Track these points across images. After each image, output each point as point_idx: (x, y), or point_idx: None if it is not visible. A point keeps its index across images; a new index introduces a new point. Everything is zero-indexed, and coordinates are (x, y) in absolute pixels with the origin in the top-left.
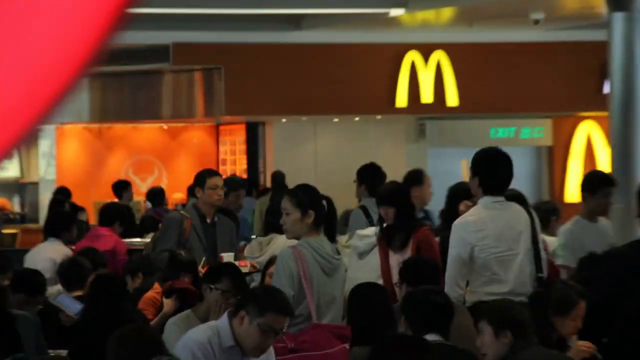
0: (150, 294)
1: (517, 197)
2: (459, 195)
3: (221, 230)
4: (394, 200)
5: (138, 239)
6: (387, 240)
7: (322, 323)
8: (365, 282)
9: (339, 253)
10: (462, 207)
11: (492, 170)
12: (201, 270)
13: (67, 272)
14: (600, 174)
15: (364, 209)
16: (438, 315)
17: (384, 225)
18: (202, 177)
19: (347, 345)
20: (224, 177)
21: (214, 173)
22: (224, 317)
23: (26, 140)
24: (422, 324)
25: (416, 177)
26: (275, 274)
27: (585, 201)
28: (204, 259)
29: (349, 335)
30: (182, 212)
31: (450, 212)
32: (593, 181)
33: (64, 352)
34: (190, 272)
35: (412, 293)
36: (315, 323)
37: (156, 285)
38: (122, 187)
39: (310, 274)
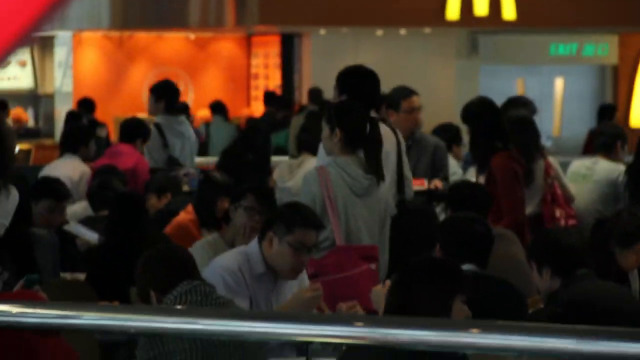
0: (182, 217)
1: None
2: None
3: (418, 153)
4: (469, 119)
5: None
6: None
7: (345, 245)
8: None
9: (374, 171)
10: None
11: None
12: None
13: (97, 194)
14: None
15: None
16: (476, 245)
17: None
18: (396, 98)
19: (373, 266)
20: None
21: (410, 92)
22: (254, 243)
23: (21, 46)
24: (458, 254)
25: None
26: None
27: None
28: None
29: (375, 255)
30: None
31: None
32: None
33: (82, 276)
34: (227, 194)
35: (450, 220)
36: (338, 246)
37: (189, 208)
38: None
39: (336, 196)
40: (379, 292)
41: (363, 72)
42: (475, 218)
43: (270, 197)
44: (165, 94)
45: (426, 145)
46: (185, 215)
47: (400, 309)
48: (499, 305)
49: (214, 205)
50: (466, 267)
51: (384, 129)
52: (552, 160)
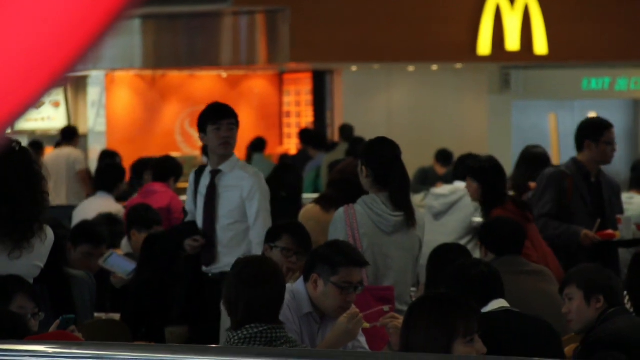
0: None
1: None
2: (533, 161)
3: (607, 189)
4: (477, 175)
5: None
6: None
7: (366, 286)
8: (444, 243)
9: (402, 210)
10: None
11: None
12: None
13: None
14: None
15: None
16: (486, 284)
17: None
18: (597, 129)
19: (387, 307)
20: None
21: (610, 124)
22: (300, 282)
23: (56, 86)
24: (480, 294)
25: None
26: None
27: None
28: (598, 222)
29: (391, 297)
30: (562, 168)
31: (520, 179)
32: None
33: (116, 316)
34: None
35: (454, 269)
36: None
37: None
38: None
39: (363, 235)
40: None
41: None
42: (475, 262)
43: (306, 236)
44: None
45: (612, 183)
46: None
47: (404, 348)
48: (533, 343)
49: None
50: (498, 302)
51: None
52: None
